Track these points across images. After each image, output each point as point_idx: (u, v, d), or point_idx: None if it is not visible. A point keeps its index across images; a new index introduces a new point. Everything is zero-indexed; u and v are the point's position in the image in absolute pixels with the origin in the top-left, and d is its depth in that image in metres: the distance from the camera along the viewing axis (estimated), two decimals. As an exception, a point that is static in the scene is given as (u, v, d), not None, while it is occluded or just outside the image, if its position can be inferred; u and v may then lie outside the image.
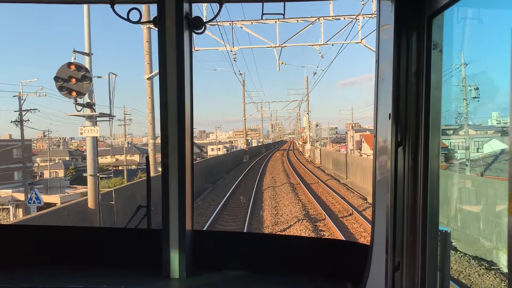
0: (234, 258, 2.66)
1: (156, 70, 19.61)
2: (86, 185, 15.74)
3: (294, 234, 14.79)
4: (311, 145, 67.94)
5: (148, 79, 22.08)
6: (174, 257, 2.43)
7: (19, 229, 3.40)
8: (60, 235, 2.95)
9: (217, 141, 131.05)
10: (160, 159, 2.50)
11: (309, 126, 68.73)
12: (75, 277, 2.52)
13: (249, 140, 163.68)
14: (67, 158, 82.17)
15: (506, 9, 1.86)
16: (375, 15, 1.98)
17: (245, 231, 15.95)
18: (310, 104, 68.59)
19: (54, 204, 23.98)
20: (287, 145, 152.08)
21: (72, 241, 2.84)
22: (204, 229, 16.01)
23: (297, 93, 79.94)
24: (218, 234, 3.09)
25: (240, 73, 44.74)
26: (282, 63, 26.78)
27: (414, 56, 1.71)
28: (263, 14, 2.23)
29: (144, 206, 2.85)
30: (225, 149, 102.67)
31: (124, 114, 67.19)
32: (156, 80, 2.51)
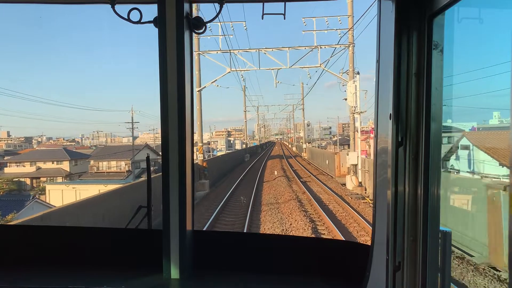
0: (234, 258, 2.66)
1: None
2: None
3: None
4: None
5: None
6: (174, 257, 2.43)
7: (19, 229, 3.40)
8: (60, 235, 2.95)
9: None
10: (161, 159, 2.50)
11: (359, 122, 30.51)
12: (75, 277, 2.52)
13: (232, 141, 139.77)
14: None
15: (507, 9, 1.86)
16: (376, 15, 1.98)
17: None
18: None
19: None
20: (277, 147, 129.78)
21: (72, 241, 2.85)
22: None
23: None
24: (218, 234, 3.09)
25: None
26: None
27: (415, 56, 1.71)
28: (263, 14, 2.24)
29: (144, 206, 2.85)
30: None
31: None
32: (156, 79, 2.50)
